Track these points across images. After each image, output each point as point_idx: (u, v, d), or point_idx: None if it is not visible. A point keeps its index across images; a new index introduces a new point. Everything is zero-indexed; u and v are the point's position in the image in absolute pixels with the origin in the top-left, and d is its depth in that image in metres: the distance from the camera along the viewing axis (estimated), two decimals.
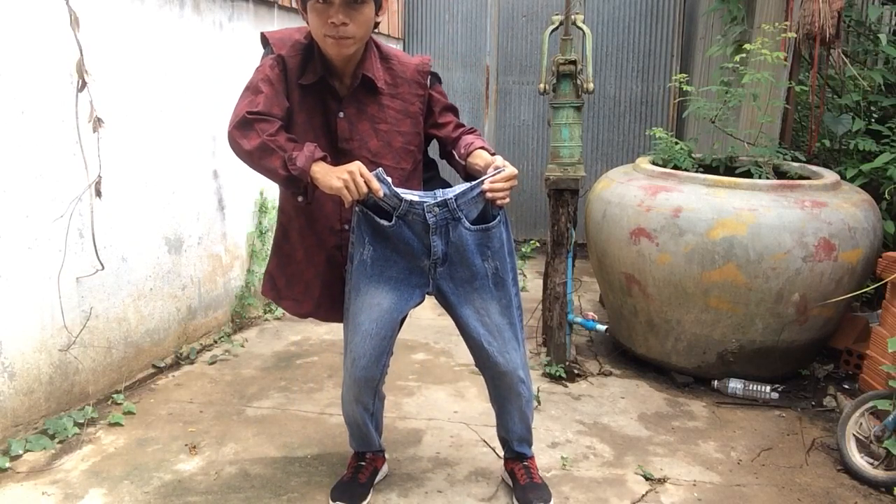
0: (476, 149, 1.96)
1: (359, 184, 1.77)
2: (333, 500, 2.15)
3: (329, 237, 2.03)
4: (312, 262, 2.05)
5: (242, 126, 1.80)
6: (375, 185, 1.80)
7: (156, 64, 2.97)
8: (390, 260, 1.94)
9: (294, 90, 1.91)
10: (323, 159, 1.82)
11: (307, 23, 1.86)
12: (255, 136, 1.79)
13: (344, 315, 2.05)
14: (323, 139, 1.94)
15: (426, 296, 2.02)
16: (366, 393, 2.05)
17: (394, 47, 2.08)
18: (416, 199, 1.87)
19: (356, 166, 1.79)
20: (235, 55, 3.54)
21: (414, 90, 1.99)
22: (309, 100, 1.93)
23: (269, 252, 3.79)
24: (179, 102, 3.13)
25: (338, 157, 1.92)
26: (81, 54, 2.45)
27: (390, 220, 1.88)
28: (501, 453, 2.33)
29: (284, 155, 1.78)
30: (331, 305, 2.10)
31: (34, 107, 2.40)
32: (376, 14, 1.85)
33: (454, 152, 2.02)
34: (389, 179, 1.85)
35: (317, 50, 1.89)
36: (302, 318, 2.18)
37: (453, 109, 2.09)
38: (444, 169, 2.15)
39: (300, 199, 1.87)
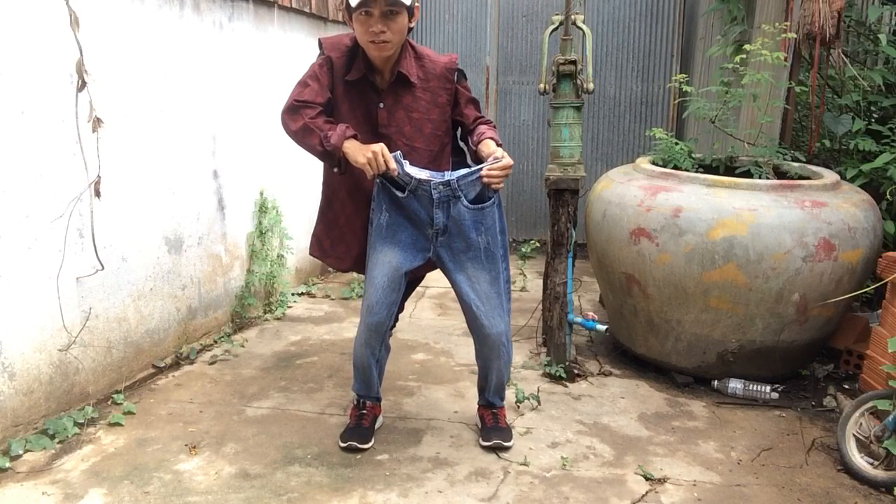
0: (486, 138, 2.31)
1: (379, 162, 2.15)
2: (344, 441, 2.44)
3: (368, 207, 2.37)
4: (352, 227, 2.42)
5: (291, 111, 2.24)
6: (392, 165, 2.17)
7: (156, 64, 2.97)
8: (402, 226, 2.31)
9: (339, 84, 2.28)
10: (354, 137, 2.19)
11: (353, 30, 2.22)
12: (299, 118, 2.21)
13: (366, 271, 2.39)
14: (365, 126, 2.29)
15: (428, 260, 2.35)
16: (375, 338, 2.36)
17: (426, 48, 2.41)
18: (425, 177, 2.23)
19: (379, 147, 2.15)
20: (235, 55, 3.54)
21: (442, 84, 2.34)
22: (353, 93, 2.30)
23: (269, 252, 3.85)
24: (179, 102, 3.13)
25: (378, 140, 2.24)
26: (81, 54, 2.45)
27: (403, 193, 2.25)
28: (501, 453, 2.40)
29: (321, 134, 2.18)
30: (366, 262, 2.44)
31: (34, 107, 2.40)
32: (409, 21, 2.22)
33: (469, 137, 2.39)
34: (406, 161, 2.23)
35: (361, 52, 2.26)
36: (343, 272, 2.64)
37: (475, 102, 2.44)
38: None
39: (335, 170, 2.26)
